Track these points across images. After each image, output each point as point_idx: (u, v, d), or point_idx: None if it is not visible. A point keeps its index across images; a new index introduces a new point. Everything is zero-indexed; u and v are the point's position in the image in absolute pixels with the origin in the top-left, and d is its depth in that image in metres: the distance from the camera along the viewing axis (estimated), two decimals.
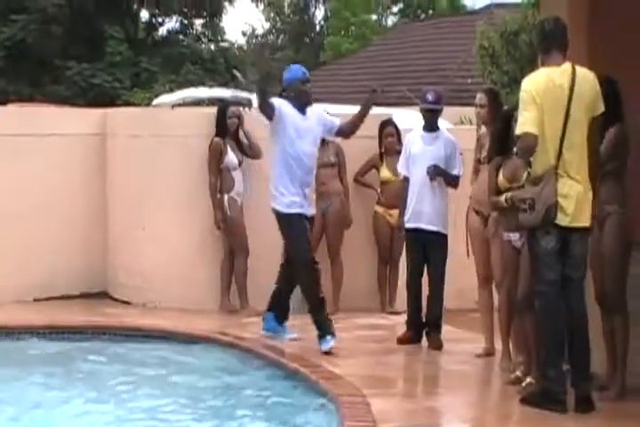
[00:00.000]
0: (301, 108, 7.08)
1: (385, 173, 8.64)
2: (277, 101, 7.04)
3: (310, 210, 7.16)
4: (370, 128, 8.53)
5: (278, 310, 7.33)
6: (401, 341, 7.28)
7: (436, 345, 7.16)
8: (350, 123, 7.27)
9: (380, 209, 8.67)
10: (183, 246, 8.68)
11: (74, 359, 6.98)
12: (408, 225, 7.29)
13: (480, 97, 6.83)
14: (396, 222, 7.87)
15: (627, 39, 6.05)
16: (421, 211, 7.21)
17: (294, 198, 6.99)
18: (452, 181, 7.28)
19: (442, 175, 7.22)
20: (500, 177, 6.23)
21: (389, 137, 8.59)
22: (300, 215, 7.02)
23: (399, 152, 7.80)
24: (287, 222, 7.03)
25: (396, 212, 8.04)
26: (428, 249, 7.25)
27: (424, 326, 7.28)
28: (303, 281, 7.07)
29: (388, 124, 8.62)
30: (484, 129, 6.98)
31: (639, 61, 5.68)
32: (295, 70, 7.14)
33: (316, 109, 7.25)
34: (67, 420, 5.62)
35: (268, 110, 6.92)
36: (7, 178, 8.95)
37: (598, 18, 6.21)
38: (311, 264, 7.00)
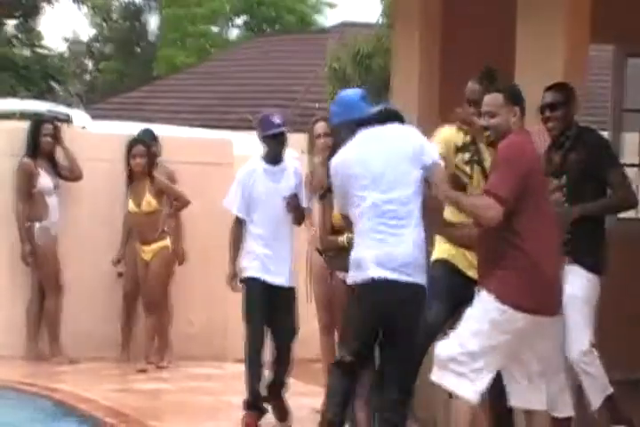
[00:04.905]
0: None
1: (129, 203, 8.32)
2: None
3: None
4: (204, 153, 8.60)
5: None
6: (250, 426, 6.54)
7: (281, 416, 6.73)
8: None
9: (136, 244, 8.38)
10: None
11: None
12: (253, 276, 6.55)
13: (322, 125, 6.81)
14: (151, 260, 7.74)
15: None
16: (271, 261, 6.59)
17: None
18: (301, 218, 6.83)
19: (296, 210, 6.71)
20: (335, 214, 6.22)
21: (138, 158, 8.28)
22: None
23: (147, 174, 7.85)
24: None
25: (148, 248, 8.10)
26: (277, 304, 6.60)
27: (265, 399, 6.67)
28: None
29: (136, 142, 8.36)
30: (317, 160, 7.01)
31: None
32: None
33: None
34: None
35: None
36: None
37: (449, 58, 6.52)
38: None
